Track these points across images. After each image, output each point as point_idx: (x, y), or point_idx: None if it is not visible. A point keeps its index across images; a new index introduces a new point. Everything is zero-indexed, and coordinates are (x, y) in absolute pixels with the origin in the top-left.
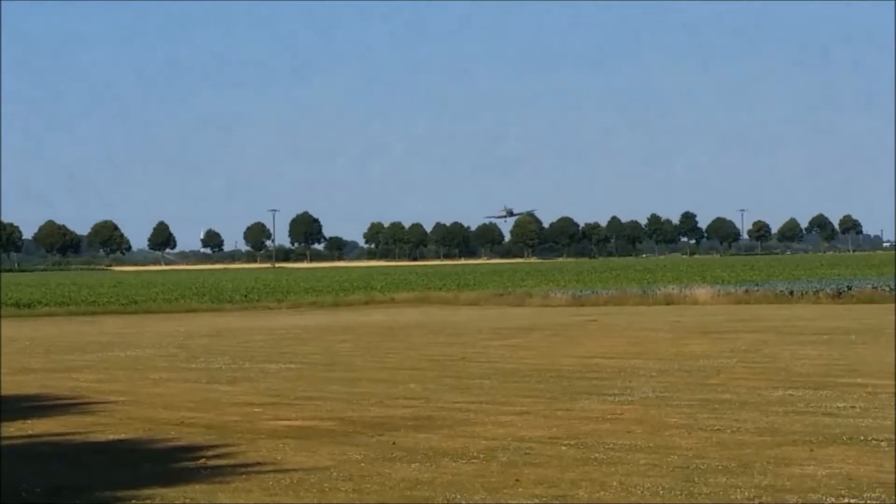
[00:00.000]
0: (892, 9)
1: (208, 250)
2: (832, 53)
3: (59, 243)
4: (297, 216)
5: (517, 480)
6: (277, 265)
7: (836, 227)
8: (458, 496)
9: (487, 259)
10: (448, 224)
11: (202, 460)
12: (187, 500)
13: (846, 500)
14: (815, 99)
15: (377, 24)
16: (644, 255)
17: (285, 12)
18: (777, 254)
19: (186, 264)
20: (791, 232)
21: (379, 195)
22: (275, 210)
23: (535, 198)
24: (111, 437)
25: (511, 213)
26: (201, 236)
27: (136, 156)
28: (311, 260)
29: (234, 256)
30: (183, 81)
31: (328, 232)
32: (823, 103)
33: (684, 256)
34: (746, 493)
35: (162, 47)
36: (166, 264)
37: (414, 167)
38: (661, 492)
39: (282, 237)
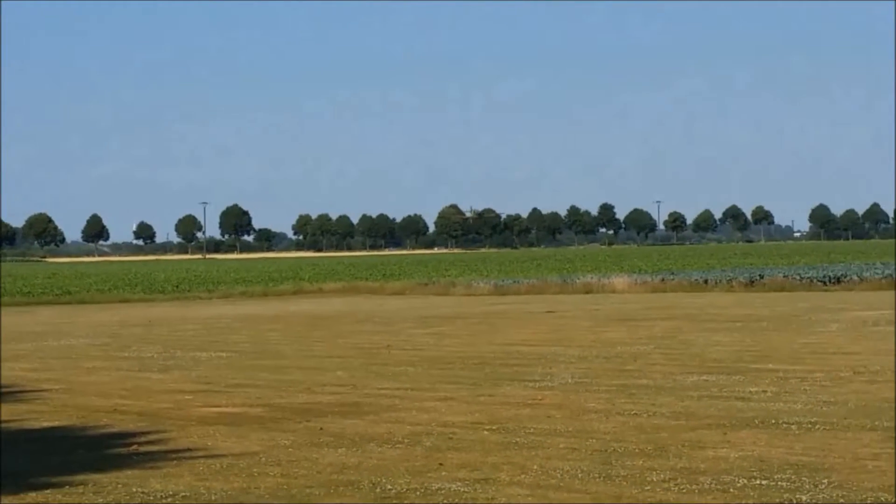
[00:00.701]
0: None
1: (141, 242)
2: (751, 43)
3: None
4: (228, 209)
5: (441, 464)
6: (208, 256)
7: (749, 217)
8: (384, 480)
9: (412, 250)
10: (374, 216)
11: (134, 446)
12: (120, 485)
13: (758, 482)
14: (729, 90)
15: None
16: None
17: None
18: (692, 244)
19: (119, 256)
20: (705, 223)
21: (307, 187)
22: (205, 203)
23: (458, 190)
24: (45, 424)
25: (479, 215)
26: (134, 228)
27: (70, 149)
28: (241, 251)
29: (166, 248)
30: (110, 75)
31: (258, 224)
32: (737, 95)
33: (603, 247)
34: (662, 476)
35: (95, 39)
36: (100, 256)
37: (341, 160)
38: (580, 474)
39: (212, 229)
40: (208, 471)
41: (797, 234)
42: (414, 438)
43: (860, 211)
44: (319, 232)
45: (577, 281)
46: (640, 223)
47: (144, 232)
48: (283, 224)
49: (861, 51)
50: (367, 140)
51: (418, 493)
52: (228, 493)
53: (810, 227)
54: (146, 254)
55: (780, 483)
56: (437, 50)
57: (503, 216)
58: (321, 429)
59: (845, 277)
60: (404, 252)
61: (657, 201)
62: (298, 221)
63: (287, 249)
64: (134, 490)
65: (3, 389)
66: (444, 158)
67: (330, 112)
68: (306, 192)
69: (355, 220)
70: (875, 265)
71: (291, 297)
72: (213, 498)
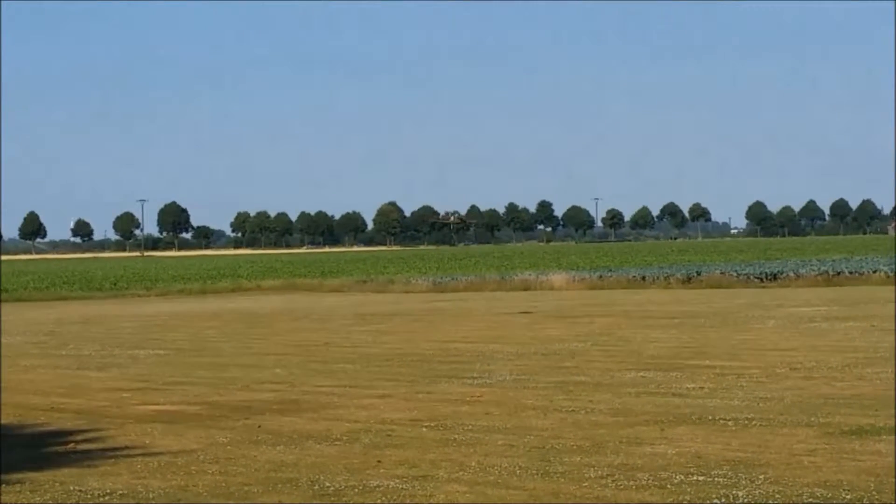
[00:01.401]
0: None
1: (78, 239)
2: (684, 44)
3: None
4: (166, 206)
5: (379, 462)
6: (146, 254)
7: (686, 215)
8: (322, 477)
9: (351, 247)
10: (313, 213)
11: (72, 445)
12: (57, 484)
13: (695, 478)
14: (669, 88)
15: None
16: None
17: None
18: (629, 241)
19: (57, 253)
20: (643, 220)
21: (245, 185)
22: (143, 200)
23: (397, 188)
24: None
25: (461, 219)
26: (71, 226)
27: (7, 147)
28: (179, 248)
29: (104, 245)
30: (54, 77)
31: (196, 221)
32: (680, 93)
33: (541, 244)
34: (600, 472)
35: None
36: (37, 253)
37: (280, 157)
38: (517, 471)
39: (150, 226)
40: (146, 469)
41: (734, 231)
42: (352, 436)
43: (796, 208)
44: (258, 229)
45: (516, 278)
46: (577, 220)
47: (82, 229)
48: (221, 221)
49: (799, 48)
50: (306, 137)
51: (356, 490)
52: (166, 491)
53: (747, 225)
54: (84, 251)
55: (716, 479)
56: (377, 48)
57: (441, 213)
58: (259, 426)
59: (782, 274)
60: (343, 249)
61: (595, 199)
62: (237, 219)
63: (225, 247)
64: (71, 488)
65: None
66: (384, 156)
67: (269, 109)
68: (245, 190)
69: (293, 218)
70: (811, 262)
71: (230, 294)
72: (150, 496)
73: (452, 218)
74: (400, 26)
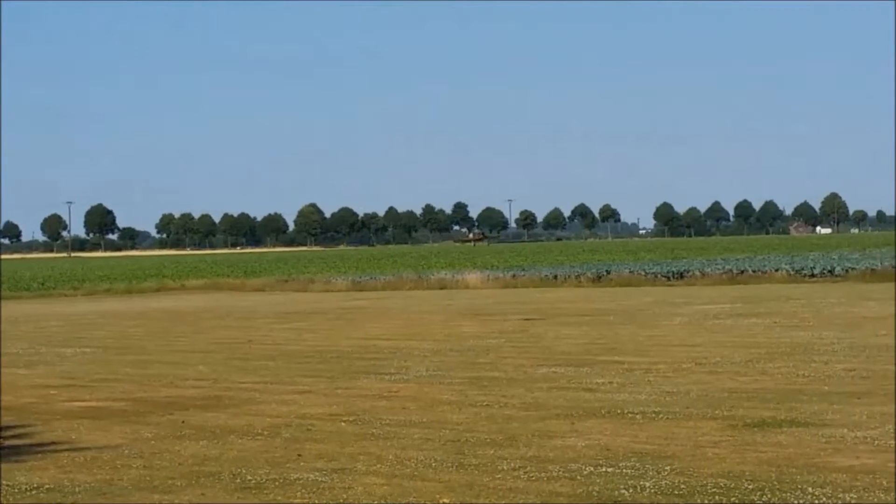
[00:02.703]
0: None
1: (6, 240)
2: (590, 49)
3: None
4: (92, 208)
5: (299, 455)
6: (73, 255)
7: (597, 215)
8: (244, 470)
9: (273, 247)
10: (236, 215)
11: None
12: None
13: (604, 469)
14: (576, 92)
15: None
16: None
17: None
18: (542, 241)
19: None
20: (555, 220)
21: (170, 187)
22: (70, 202)
23: (316, 189)
24: None
25: (483, 236)
26: None
27: None
28: (106, 249)
29: (32, 246)
30: None
31: (122, 223)
32: (598, 96)
33: (457, 244)
34: (512, 464)
35: None
36: None
37: (203, 161)
38: (433, 464)
39: (77, 228)
40: (72, 463)
41: (642, 232)
42: (273, 430)
43: (702, 209)
44: (182, 230)
45: (432, 277)
46: (492, 221)
47: (10, 231)
48: (146, 223)
49: (700, 47)
50: (229, 141)
51: (277, 483)
52: (92, 486)
53: (655, 225)
54: (11, 252)
55: (624, 470)
56: (300, 50)
57: (360, 215)
58: (183, 422)
59: (688, 273)
60: (265, 250)
61: (509, 200)
62: (162, 220)
63: (151, 247)
64: None
65: None
66: (304, 158)
67: (192, 112)
68: (170, 192)
69: (217, 219)
70: (716, 261)
71: (155, 294)
72: (77, 490)
73: (472, 235)
74: (310, 26)
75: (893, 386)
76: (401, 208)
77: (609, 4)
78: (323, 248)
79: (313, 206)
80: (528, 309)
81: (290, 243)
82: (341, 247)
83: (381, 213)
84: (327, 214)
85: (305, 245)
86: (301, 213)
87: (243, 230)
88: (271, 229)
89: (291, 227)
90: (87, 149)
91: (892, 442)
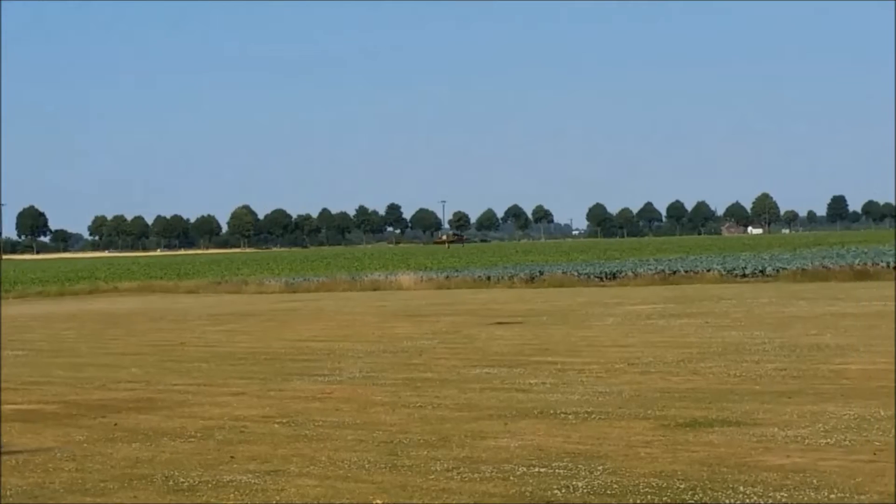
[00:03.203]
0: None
1: None
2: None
3: None
4: (24, 210)
5: (232, 457)
6: (5, 257)
7: (530, 216)
8: (177, 473)
9: (206, 249)
10: (169, 217)
11: None
12: None
13: (537, 469)
14: (508, 94)
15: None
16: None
17: None
18: (476, 242)
19: None
20: (488, 221)
21: (104, 189)
22: (2, 204)
23: (250, 190)
24: None
25: (458, 237)
26: None
27: None
28: (38, 252)
29: None
30: None
31: (54, 225)
32: (520, 96)
33: (390, 245)
34: (446, 465)
35: None
36: None
37: (136, 163)
38: (366, 465)
39: (9, 230)
40: (4, 467)
41: (575, 233)
42: (206, 432)
43: (635, 210)
44: (115, 233)
45: (366, 278)
46: (425, 223)
47: None
48: (79, 225)
49: (637, 50)
50: (160, 143)
51: (210, 485)
52: (24, 489)
53: (588, 226)
54: None
55: (557, 470)
56: (228, 51)
57: (294, 216)
58: (116, 424)
59: (620, 273)
60: (198, 252)
61: (442, 201)
62: (94, 222)
63: (83, 250)
64: None
65: None
66: (237, 160)
67: (123, 115)
68: (102, 194)
69: (150, 221)
70: (648, 261)
71: (87, 296)
72: (8, 493)
73: (446, 237)
74: (255, 26)
75: (816, 386)
76: (334, 210)
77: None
78: (256, 250)
79: (246, 207)
80: (461, 310)
81: (224, 245)
82: (274, 249)
83: (315, 214)
84: (260, 216)
85: (239, 247)
86: (234, 216)
87: (176, 232)
88: (204, 231)
89: (225, 229)
90: (18, 150)
91: (822, 441)
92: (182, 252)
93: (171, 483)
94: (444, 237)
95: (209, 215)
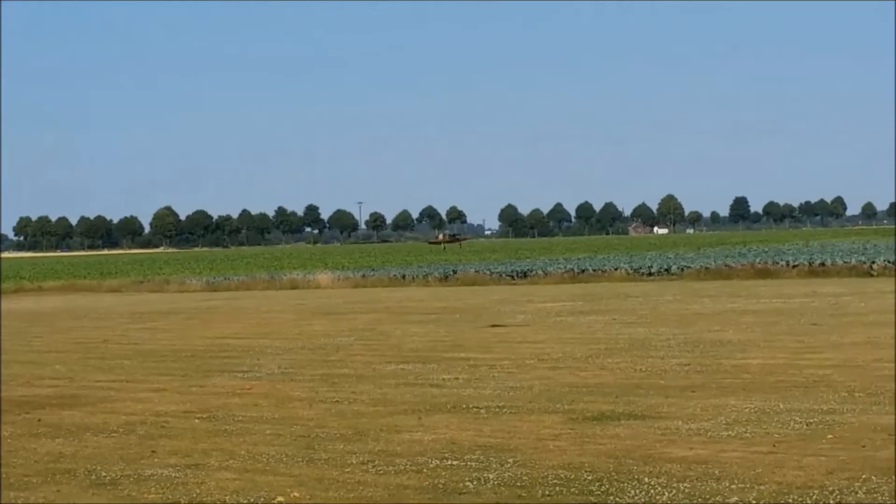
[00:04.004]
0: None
1: None
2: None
3: None
4: None
5: (153, 452)
6: None
7: (444, 217)
8: (99, 467)
9: (129, 249)
10: (92, 217)
11: None
12: None
13: (449, 462)
14: (421, 97)
15: None
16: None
17: None
18: (391, 242)
19: None
20: (404, 222)
21: (27, 190)
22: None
23: (171, 191)
24: None
25: (455, 238)
26: None
27: None
28: None
29: None
30: None
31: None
32: (430, 102)
33: (309, 245)
34: (361, 458)
35: None
36: None
37: (60, 163)
38: (284, 458)
39: None
40: None
41: (488, 232)
42: (128, 427)
43: (545, 210)
44: (39, 233)
45: (284, 277)
46: (343, 223)
47: None
48: (3, 225)
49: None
50: (83, 143)
51: (132, 479)
52: None
53: (500, 226)
54: None
55: (469, 463)
56: (139, 53)
57: (215, 217)
58: (39, 420)
59: (531, 272)
60: (121, 252)
61: (359, 202)
62: (19, 223)
63: (7, 250)
64: None
65: None
66: (160, 162)
67: (46, 115)
68: (26, 195)
69: (74, 222)
70: (558, 260)
71: (12, 295)
72: None
73: (441, 236)
74: (174, 27)
75: (732, 380)
76: (254, 210)
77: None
78: (178, 250)
79: (168, 208)
80: (377, 307)
81: (146, 245)
82: (196, 249)
83: (235, 215)
84: (182, 217)
85: (161, 247)
86: (156, 216)
87: (100, 232)
88: (127, 232)
89: (147, 229)
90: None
91: (724, 433)
92: (106, 252)
93: (93, 477)
94: (440, 237)
95: (132, 216)
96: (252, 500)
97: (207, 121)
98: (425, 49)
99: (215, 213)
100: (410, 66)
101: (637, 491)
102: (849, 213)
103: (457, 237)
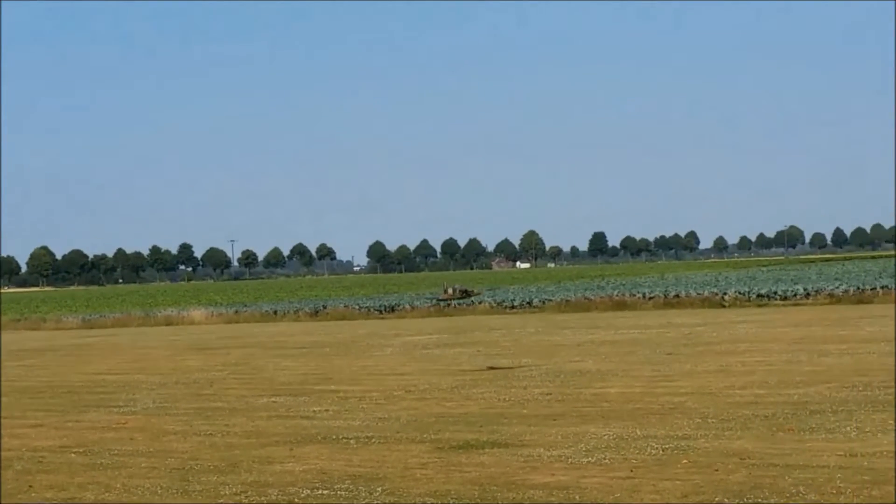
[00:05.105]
0: None
1: None
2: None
3: None
4: None
5: (30, 486)
6: None
7: (314, 254)
8: None
9: (6, 288)
10: None
11: None
12: None
13: (320, 492)
14: (285, 133)
15: None
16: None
17: None
18: (263, 278)
19: None
20: (275, 259)
21: None
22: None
23: (48, 231)
24: None
25: (466, 293)
26: None
27: None
28: None
29: None
30: None
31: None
32: (304, 151)
33: (183, 283)
34: (234, 489)
35: None
36: None
37: None
38: (159, 491)
39: None
40: None
41: (357, 269)
42: (5, 463)
43: (412, 246)
44: None
45: (159, 314)
46: (216, 260)
47: None
48: None
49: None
50: None
51: None
52: None
53: (368, 262)
54: None
55: (339, 492)
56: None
57: (90, 256)
58: None
59: (399, 306)
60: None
61: (231, 240)
62: None
63: None
64: None
65: None
66: (35, 200)
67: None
68: None
69: None
70: (425, 295)
71: None
72: None
73: (449, 291)
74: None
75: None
76: (129, 249)
77: None
78: (55, 289)
79: (45, 248)
80: (250, 342)
81: (23, 284)
82: (72, 287)
83: (111, 254)
84: (59, 256)
85: (38, 286)
86: (33, 256)
87: None
88: (4, 271)
89: (24, 268)
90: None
91: (584, 459)
92: None
93: None
94: (450, 292)
95: (9, 256)
96: None
97: (78, 159)
98: (279, 88)
99: (91, 252)
100: (265, 106)
101: None
102: (701, 246)
103: (468, 292)
